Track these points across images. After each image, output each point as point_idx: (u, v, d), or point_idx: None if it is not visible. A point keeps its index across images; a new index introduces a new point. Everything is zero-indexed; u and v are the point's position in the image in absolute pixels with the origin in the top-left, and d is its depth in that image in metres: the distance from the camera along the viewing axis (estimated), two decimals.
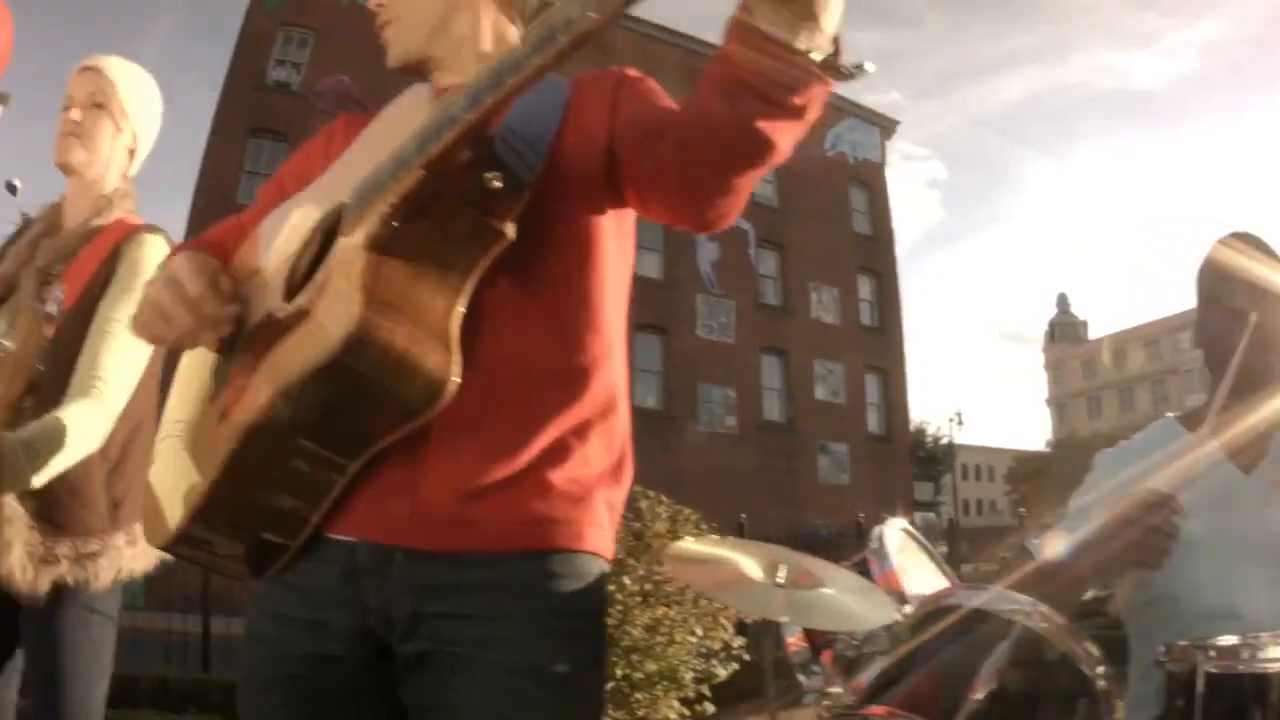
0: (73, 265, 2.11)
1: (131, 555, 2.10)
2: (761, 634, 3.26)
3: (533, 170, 1.30)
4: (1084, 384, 76.26)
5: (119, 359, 2.01)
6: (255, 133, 22.08)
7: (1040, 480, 44.29)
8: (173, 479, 1.41)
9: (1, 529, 1.93)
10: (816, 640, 2.61)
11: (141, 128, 2.29)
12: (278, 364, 1.21)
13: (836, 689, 2.35)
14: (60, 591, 2.00)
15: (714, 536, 3.14)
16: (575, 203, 1.37)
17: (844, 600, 2.41)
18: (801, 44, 1.02)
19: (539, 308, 1.33)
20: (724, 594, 2.90)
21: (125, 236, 2.14)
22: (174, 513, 1.34)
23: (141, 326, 1.39)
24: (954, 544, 16.09)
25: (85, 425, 1.94)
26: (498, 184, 1.19)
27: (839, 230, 29.19)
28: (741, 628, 5.63)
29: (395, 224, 1.17)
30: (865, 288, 30.05)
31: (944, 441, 47.92)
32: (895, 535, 2.63)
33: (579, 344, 1.36)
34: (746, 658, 5.56)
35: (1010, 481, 57.42)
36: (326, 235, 1.30)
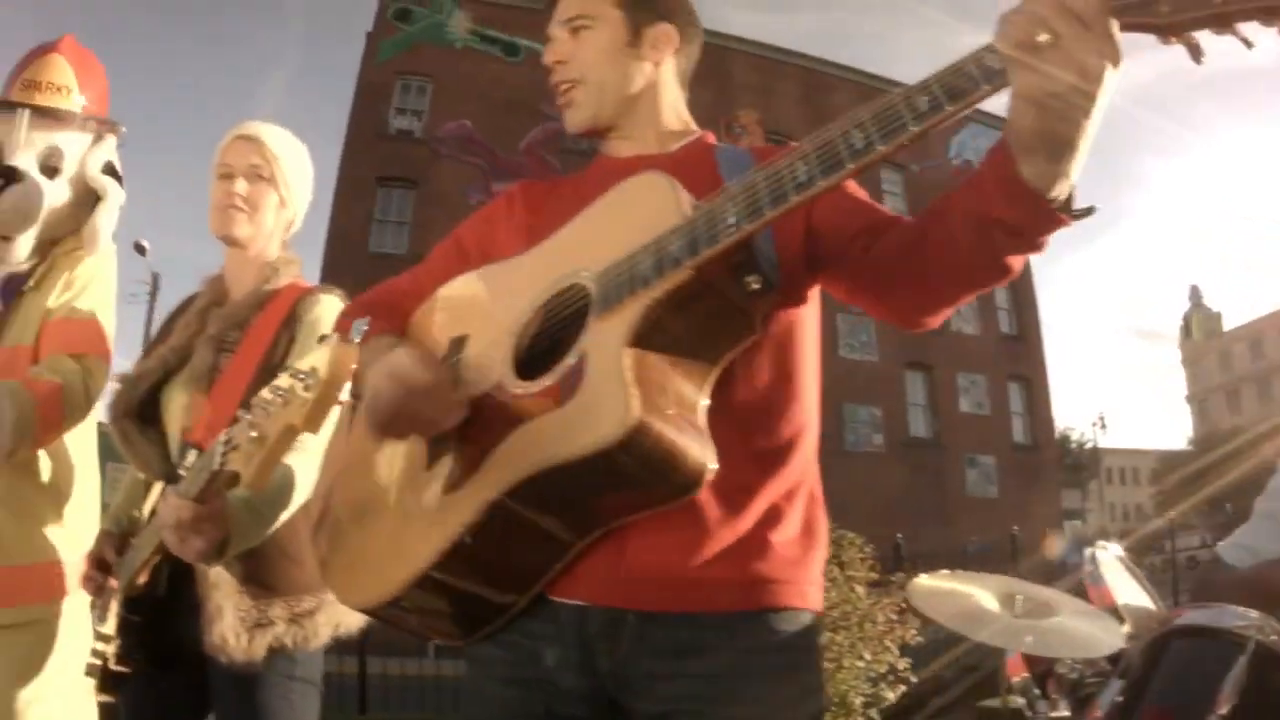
0: (248, 332, 2.10)
1: (347, 609, 1.98)
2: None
3: (775, 269, 1.37)
4: (1222, 378, 73.31)
5: None
6: (383, 181, 22.58)
7: (1184, 480, 43.10)
8: (372, 540, 1.44)
9: (210, 596, 1.90)
10: (1037, 664, 2.80)
11: (301, 199, 2.30)
12: (528, 446, 1.24)
13: (1065, 713, 2.56)
14: (272, 655, 1.97)
15: (945, 571, 3.10)
16: (785, 283, 1.40)
17: (1078, 627, 2.51)
18: (1055, 194, 1.13)
19: (753, 384, 1.39)
20: (967, 627, 2.93)
21: (300, 299, 2.14)
22: (382, 576, 1.36)
23: (377, 425, 1.39)
24: None
25: (295, 479, 1.89)
26: (756, 286, 1.24)
27: None
28: (904, 650, 5.78)
29: (658, 318, 1.21)
30: (1001, 296, 29.25)
31: (1088, 446, 46.71)
32: (1106, 556, 2.72)
33: (789, 414, 1.44)
34: (913, 679, 5.75)
35: (1155, 483, 55.51)
36: (552, 314, 1.38)
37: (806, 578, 1.40)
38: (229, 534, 1.65)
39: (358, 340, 1.22)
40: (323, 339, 1.31)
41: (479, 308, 1.54)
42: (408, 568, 1.31)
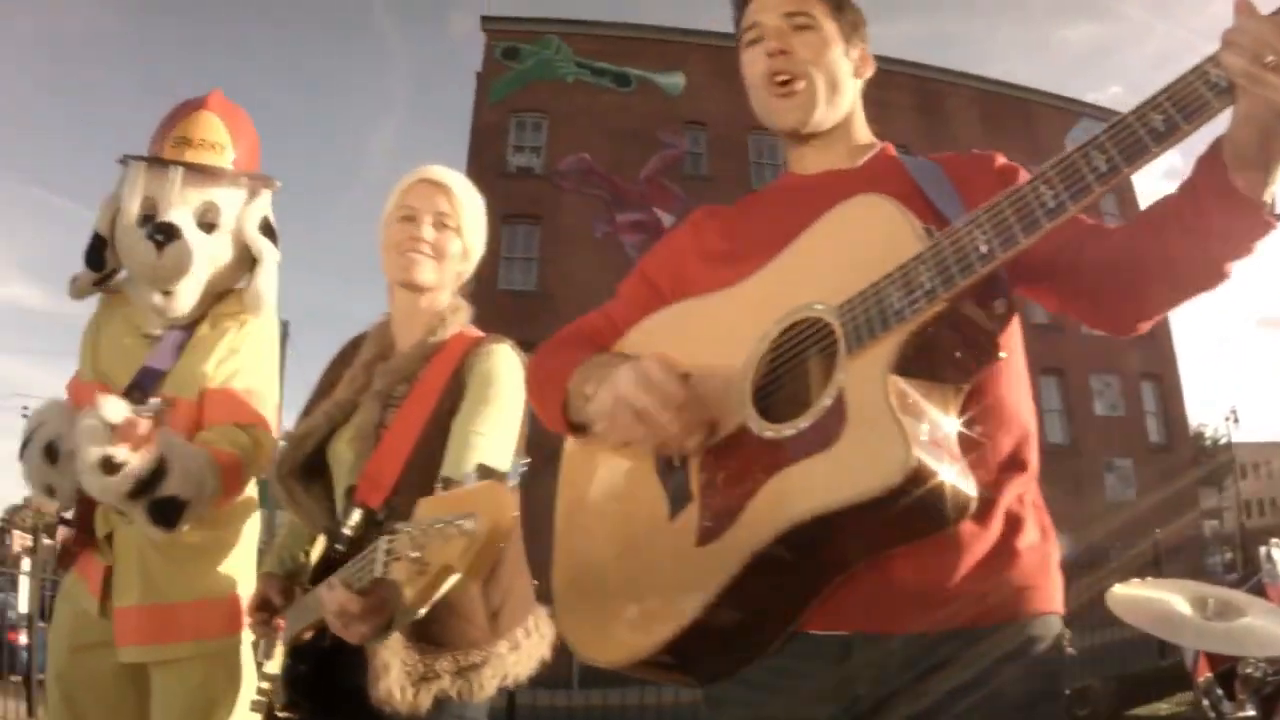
0: (415, 386, 2.06)
1: (515, 661, 2.05)
2: None
3: (1009, 285, 1.32)
4: None
5: (492, 462, 1.80)
6: (507, 219, 22.91)
7: None
8: (622, 597, 1.41)
9: (377, 652, 1.88)
10: (1218, 663, 2.87)
11: (480, 250, 2.26)
12: (796, 492, 1.22)
13: (1251, 712, 2.63)
14: (437, 707, 1.95)
15: (1137, 579, 3.12)
16: None
17: (1265, 626, 2.53)
18: (1268, 200, 1.18)
19: (986, 396, 1.37)
20: (1164, 631, 2.93)
21: (469, 350, 2.08)
22: (641, 634, 1.34)
23: (617, 428, 1.38)
24: (1247, 550, 15.23)
25: None
26: (1002, 310, 1.25)
27: None
28: None
29: (913, 351, 1.19)
30: None
31: (1222, 442, 45.28)
32: None
33: (1018, 421, 1.43)
34: (1066, 691, 5.59)
35: None
36: (784, 349, 1.34)
37: (1052, 581, 1.42)
38: (394, 615, 1.64)
39: (515, 483, 1.20)
40: (486, 472, 1.32)
41: (696, 343, 1.48)
42: (668, 626, 1.30)
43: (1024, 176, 1.42)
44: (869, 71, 1.74)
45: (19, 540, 36.44)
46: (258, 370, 2.63)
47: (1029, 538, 1.40)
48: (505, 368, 2.02)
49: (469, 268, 2.24)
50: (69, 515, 2.53)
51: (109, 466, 2.14)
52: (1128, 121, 1.11)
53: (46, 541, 9.91)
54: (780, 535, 1.20)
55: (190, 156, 2.57)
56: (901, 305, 1.20)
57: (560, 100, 24.68)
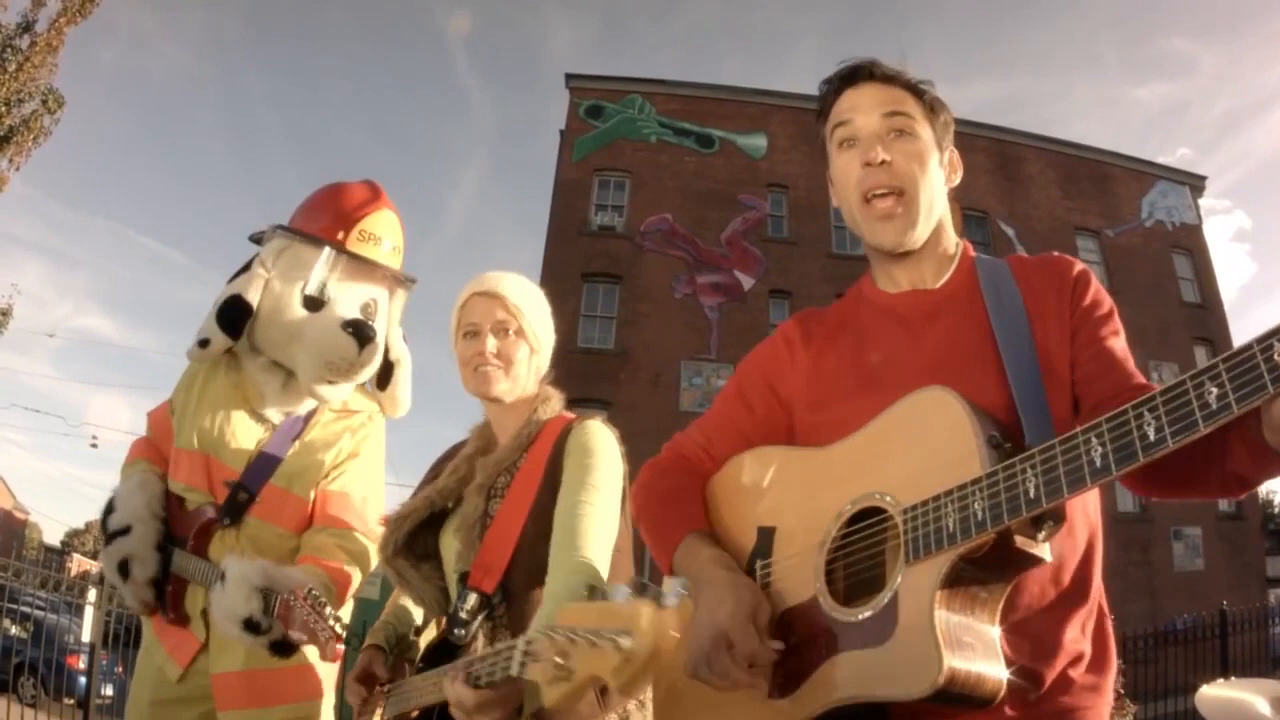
0: (516, 476, 2.10)
1: None
2: None
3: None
4: None
5: (596, 538, 1.94)
6: (587, 277, 22.97)
7: None
8: None
9: None
10: None
11: (548, 342, 2.28)
12: (847, 676, 1.38)
13: None
14: None
15: (1222, 680, 3.17)
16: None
17: None
18: None
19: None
20: None
21: (564, 430, 2.12)
22: None
23: (698, 677, 1.47)
24: None
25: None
26: (1048, 531, 1.31)
27: (1169, 302, 27.63)
28: None
29: (963, 569, 1.30)
30: (1201, 358, 28.24)
31: None
32: None
33: (1086, 542, 1.50)
34: None
35: None
36: (855, 529, 1.46)
37: (1103, 701, 1.47)
38: (521, 706, 1.67)
39: (675, 604, 1.20)
40: (641, 588, 1.30)
41: (781, 499, 1.63)
42: None
43: (1092, 291, 1.59)
44: (958, 178, 1.74)
45: (79, 563, 36.92)
46: (372, 476, 2.69)
47: (1085, 663, 1.46)
48: (600, 441, 2.08)
49: (543, 360, 2.26)
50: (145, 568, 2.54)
51: (251, 627, 2.24)
52: (1184, 389, 1.11)
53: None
54: (828, 709, 1.38)
55: (368, 250, 2.60)
56: (955, 530, 1.29)
57: (643, 159, 24.96)
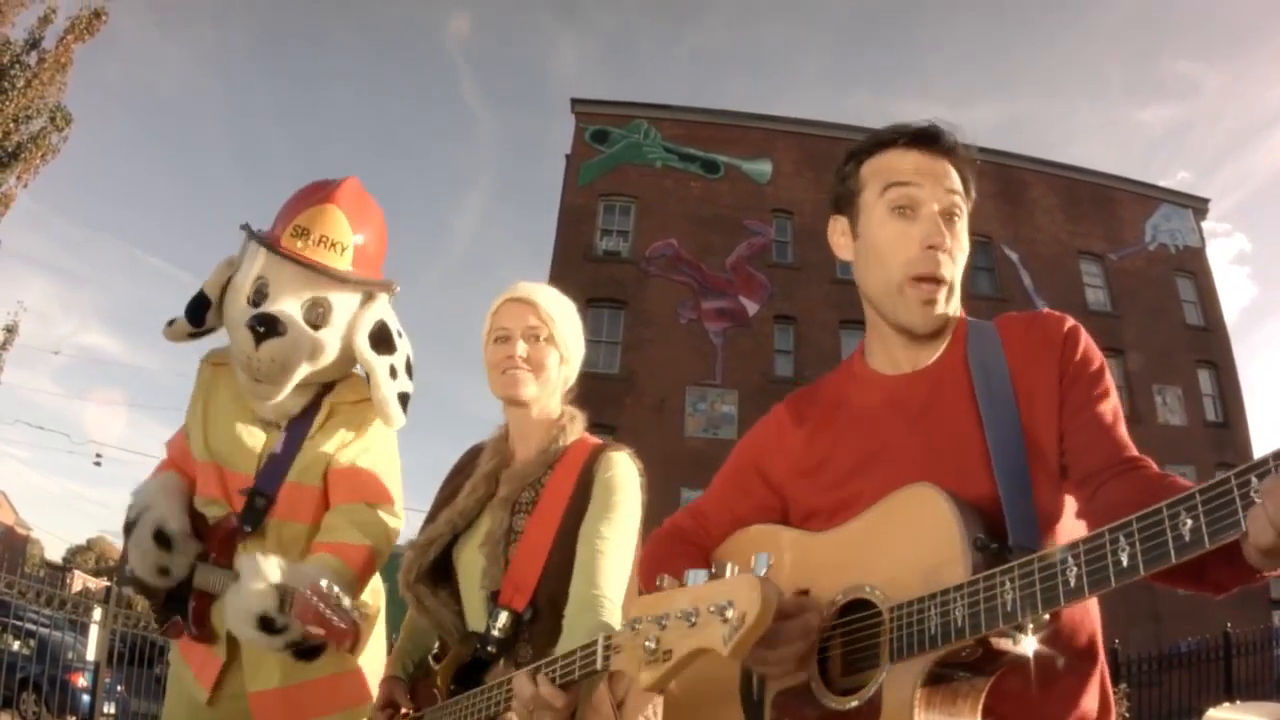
0: (543, 492, 2.11)
1: None
2: None
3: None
4: None
5: (615, 576, 1.96)
6: (592, 302, 22.97)
7: None
8: None
9: None
10: None
11: (578, 354, 2.28)
12: None
13: None
14: None
15: (1227, 704, 3.36)
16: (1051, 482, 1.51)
17: None
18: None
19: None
20: None
21: (592, 457, 2.13)
22: None
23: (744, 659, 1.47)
24: None
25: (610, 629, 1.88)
26: (1027, 634, 1.30)
27: (1172, 325, 27.68)
28: None
29: (943, 669, 1.34)
30: (1206, 382, 28.25)
31: None
32: None
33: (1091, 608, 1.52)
34: None
35: None
36: (844, 618, 1.49)
37: None
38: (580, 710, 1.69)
39: (764, 573, 1.22)
40: (725, 568, 1.32)
41: (779, 579, 1.60)
42: None
43: (1080, 350, 1.55)
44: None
45: (80, 579, 36.92)
46: (381, 449, 2.65)
47: (1087, 716, 1.47)
48: (627, 478, 2.09)
49: (571, 372, 2.27)
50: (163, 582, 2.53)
51: (267, 625, 2.22)
52: (1160, 518, 1.10)
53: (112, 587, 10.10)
54: None
55: (305, 251, 2.50)
56: (936, 634, 1.31)
57: (648, 185, 25.05)
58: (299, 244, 2.50)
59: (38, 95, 15.03)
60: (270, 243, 2.52)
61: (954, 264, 1.60)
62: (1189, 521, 1.08)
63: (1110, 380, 1.56)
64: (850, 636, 1.48)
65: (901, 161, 1.63)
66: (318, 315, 2.56)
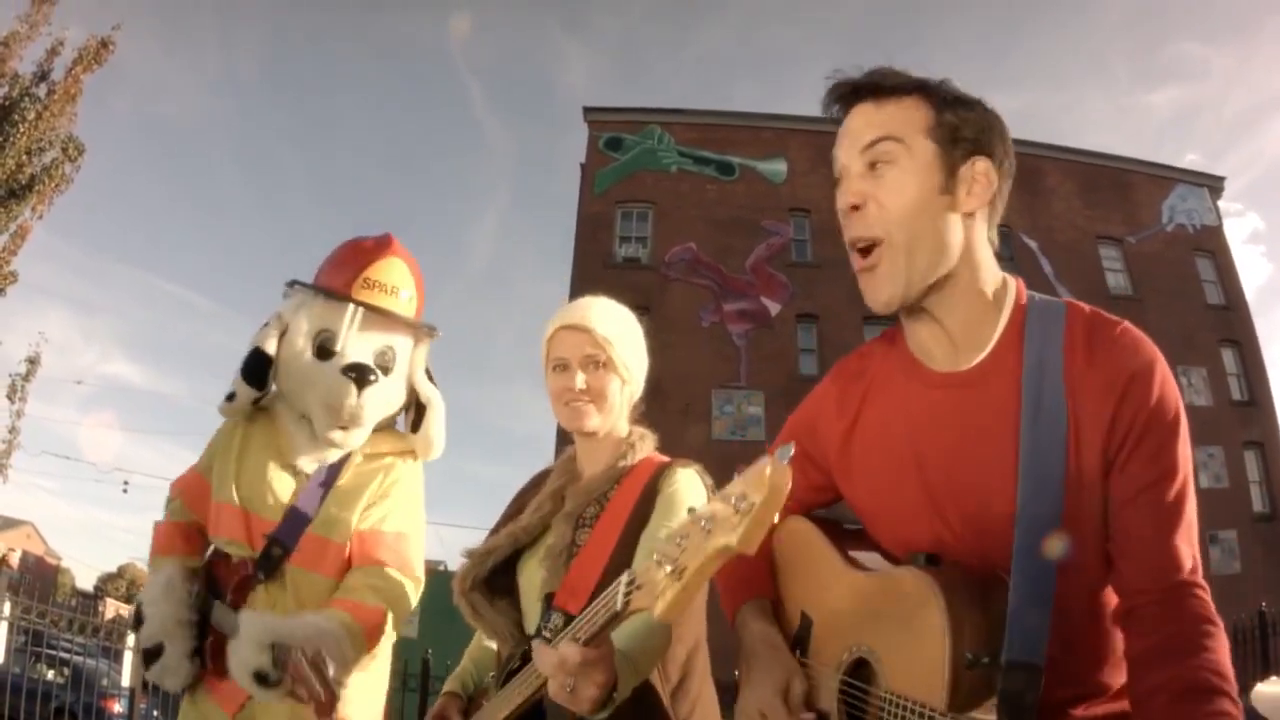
0: (607, 507, 2.08)
1: None
2: None
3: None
4: None
5: None
6: None
7: None
8: None
9: None
10: None
11: (640, 370, 2.25)
12: None
13: None
14: None
15: (1275, 676, 3.24)
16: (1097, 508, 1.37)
17: None
18: None
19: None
20: None
21: (658, 472, 2.10)
22: None
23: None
24: None
25: (665, 628, 1.85)
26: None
27: (1193, 305, 27.57)
28: None
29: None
30: (1230, 361, 28.14)
31: None
32: None
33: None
34: None
35: None
36: (849, 679, 1.45)
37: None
38: (617, 681, 1.58)
39: (786, 462, 1.11)
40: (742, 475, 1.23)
41: (818, 596, 1.61)
42: None
43: (1150, 406, 1.33)
44: (990, 193, 1.45)
45: (112, 606, 37.12)
46: (407, 513, 2.68)
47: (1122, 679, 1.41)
48: (693, 491, 2.06)
49: (636, 389, 2.24)
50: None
51: (261, 680, 2.25)
52: None
53: None
54: None
55: (379, 300, 2.61)
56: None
57: (664, 190, 25.10)
58: (379, 296, 2.61)
59: (49, 127, 15.08)
60: (345, 295, 2.60)
61: (877, 217, 1.41)
62: None
63: (1184, 440, 1.37)
64: (852, 697, 1.44)
65: (838, 131, 1.49)
66: (387, 360, 2.66)
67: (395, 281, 2.65)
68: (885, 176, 1.41)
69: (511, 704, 1.84)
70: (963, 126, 1.44)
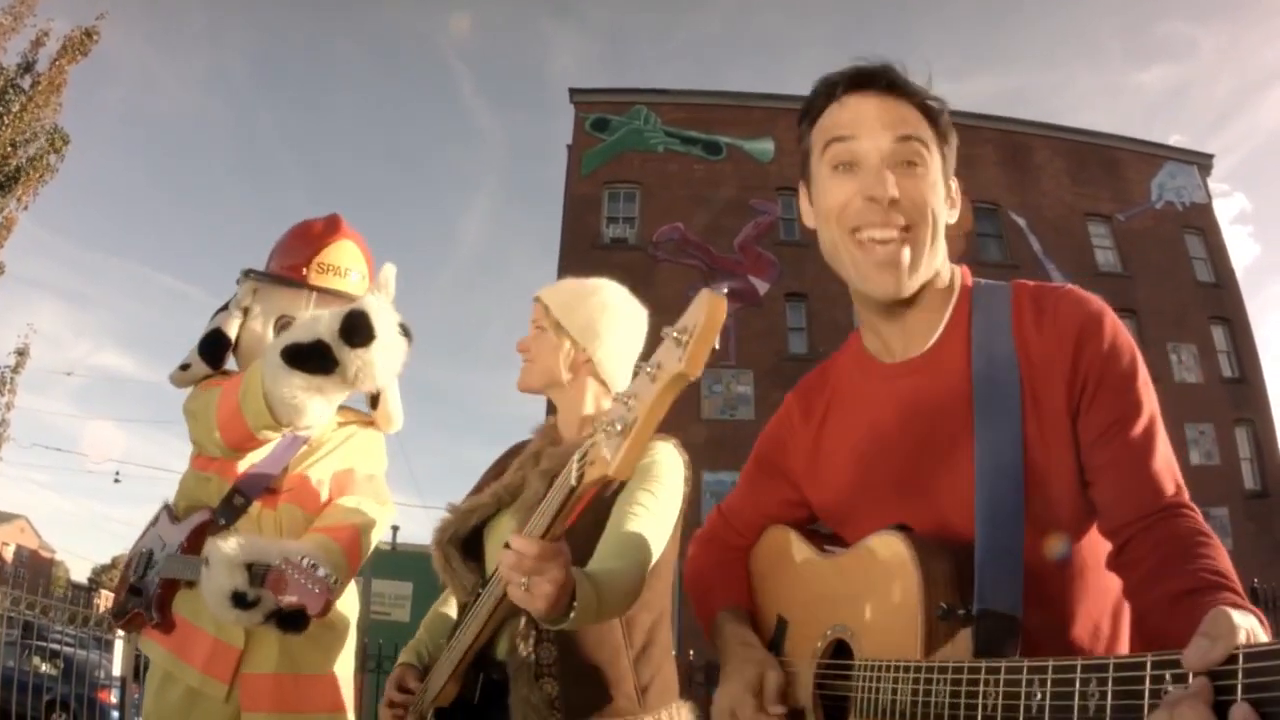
0: None
1: None
2: None
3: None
4: None
5: (645, 532, 1.93)
6: None
7: None
8: None
9: (524, 712, 1.94)
10: None
11: (585, 335, 2.26)
12: None
13: None
14: None
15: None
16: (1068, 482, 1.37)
17: None
18: None
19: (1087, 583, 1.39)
20: None
21: None
22: None
23: None
24: None
25: (633, 574, 1.85)
26: None
27: (1184, 283, 27.61)
28: None
29: None
30: (1220, 338, 28.19)
31: None
32: None
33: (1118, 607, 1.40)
34: None
35: None
36: (826, 660, 1.46)
37: None
38: (573, 587, 1.59)
39: (725, 293, 1.10)
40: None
41: (792, 594, 1.65)
42: None
43: (1103, 353, 1.35)
44: (956, 215, 1.52)
45: (106, 598, 37.13)
46: (374, 462, 2.87)
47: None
48: (667, 463, 2.10)
49: (594, 353, 2.25)
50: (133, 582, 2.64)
51: (239, 601, 2.30)
52: (1072, 683, 0.99)
53: None
54: None
55: (331, 283, 2.74)
56: (887, 709, 1.24)
57: (651, 170, 25.05)
58: (332, 279, 2.77)
59: (34, 118, 15.11)
60: (300, 281, 2.75)
61: (919, 215, 1.42)
62: (1097, 690, 0.96)
63: (1144, 381, 1.39)
64: (838, 672, 1.43)
65: (840, 114, 1.47)
66: None
67: (346, 263, 2.81)
68: (920, 177, 1.43)
69: (464, 644, 1.94)
70: (952, 146, 1.50)
